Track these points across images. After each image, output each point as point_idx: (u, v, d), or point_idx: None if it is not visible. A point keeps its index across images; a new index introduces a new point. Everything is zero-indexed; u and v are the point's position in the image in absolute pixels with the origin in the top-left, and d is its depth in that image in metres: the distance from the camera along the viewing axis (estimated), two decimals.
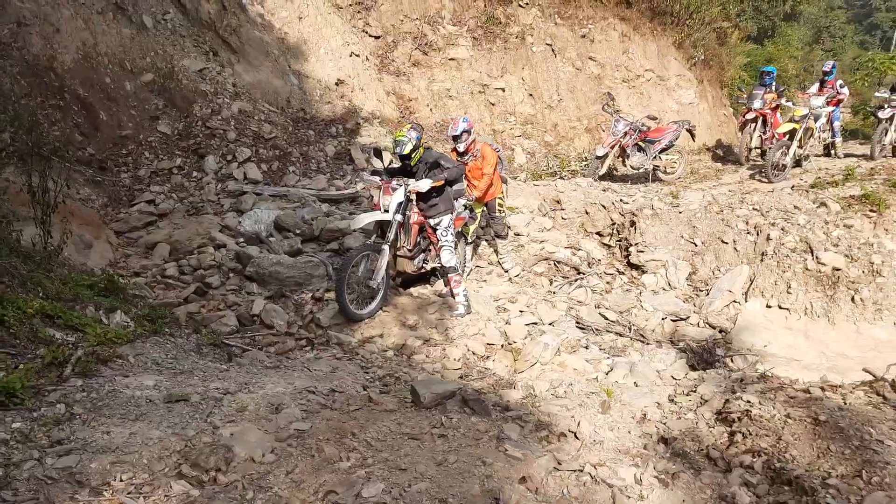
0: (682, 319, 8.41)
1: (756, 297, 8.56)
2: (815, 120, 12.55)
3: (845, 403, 4.72)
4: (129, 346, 5.02)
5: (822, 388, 5.25)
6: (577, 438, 4.18)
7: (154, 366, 4.88)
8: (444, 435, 4.02)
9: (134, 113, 10.76)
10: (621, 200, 9.98)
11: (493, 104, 14.96)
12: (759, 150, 14.10)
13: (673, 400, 5.30)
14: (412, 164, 7.27)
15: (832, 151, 14.34)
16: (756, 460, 3.93)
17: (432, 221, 7.49)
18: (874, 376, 6.21)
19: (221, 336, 6.05)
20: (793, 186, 10.57)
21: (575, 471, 3.71)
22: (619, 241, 9.87)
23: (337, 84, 13.06)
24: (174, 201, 9.92)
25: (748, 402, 4.71)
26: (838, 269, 8.39)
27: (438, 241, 7.50)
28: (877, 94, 14.32)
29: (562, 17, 16.03)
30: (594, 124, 15.51)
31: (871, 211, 9.61)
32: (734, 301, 8.61)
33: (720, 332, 8.23)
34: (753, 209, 9.38)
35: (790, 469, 3.75)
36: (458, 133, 8.10)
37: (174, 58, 11.38)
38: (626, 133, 11.95)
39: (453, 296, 7.47)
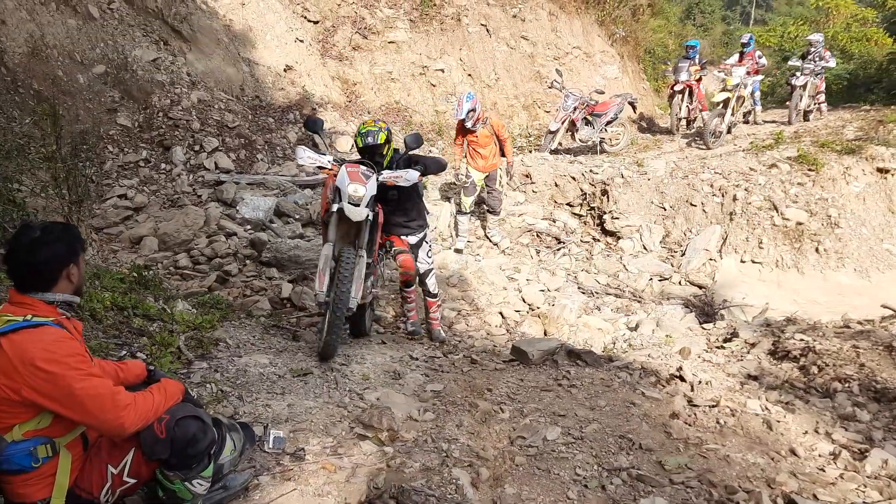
0: (666, 279, 9.03)
1: (730, 253, 9.30)
2: (745, 89, 13.53)
3: (890, 334, 5.35)
4: (218, 330, 5.04)
5: (848, 325, 5.90)
6: (684, 381, 4.59)
7: (251, 346, 4.93)
8: (573, 385, 4.33)
9: (91, 106, 10.34)
10: (591, 171, 10.50)
11: (434, 85, 15.17)
12: (686, 120, 15.01)
13: (721, 347, 5.81)
14: (384, 161, 5.43)
15: (751, 119, 15.45)
16: (851, 385, 4.46)
17: (413, 239, 5.88)
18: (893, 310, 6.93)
19: (287, 319, 6.10)
20: (745, 151, 11.40)
21: (711, 405, 4.12)
22: (591, 210, 10.40)
23: (286, 70, 12.93)
24: (147, 194, 9.68)
25: (802, 339, 5.26)
26: (801, 224, 9.24)
27: (420, 264, 5.99)
28: (790, 62, 15.52)
29: None
30: (531, 101, 16.03)
31: (809, 170, 10.57)
32: (710, 259, 9.30)
33: (701, 288, 8.90)
34: (716, 173, 10.12)
35: (892, 388, 4.29)
36: (464, 115, 8.35)
37: (125, 48, 10.97)
38: (575, 108, 12.49)
39: (431, 322, 6.22)
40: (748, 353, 5.56)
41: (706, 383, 4.55)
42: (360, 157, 5.43)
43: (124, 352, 4.24)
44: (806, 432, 3.93)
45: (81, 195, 6.27)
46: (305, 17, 14.28)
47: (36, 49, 9.98)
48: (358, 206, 5.00)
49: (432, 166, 5.66)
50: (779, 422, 3.94)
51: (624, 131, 13.36)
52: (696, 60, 14.78)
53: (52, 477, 2.34)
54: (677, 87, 14.50)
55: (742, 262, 9.23)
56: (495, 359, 5.06)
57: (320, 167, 5.29)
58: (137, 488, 2.56)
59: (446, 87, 15.32)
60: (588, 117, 12.67)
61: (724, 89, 13.24)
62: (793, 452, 3.68)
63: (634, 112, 14.32)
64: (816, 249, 9.08)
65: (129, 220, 9.17)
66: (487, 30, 15.94)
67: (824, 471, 3.48)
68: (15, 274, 2.38)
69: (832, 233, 9.13)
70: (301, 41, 13.43)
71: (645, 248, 9.68)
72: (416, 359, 4.99)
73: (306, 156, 5.24)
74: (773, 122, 15.10)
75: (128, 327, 4.63)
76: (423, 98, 14.92)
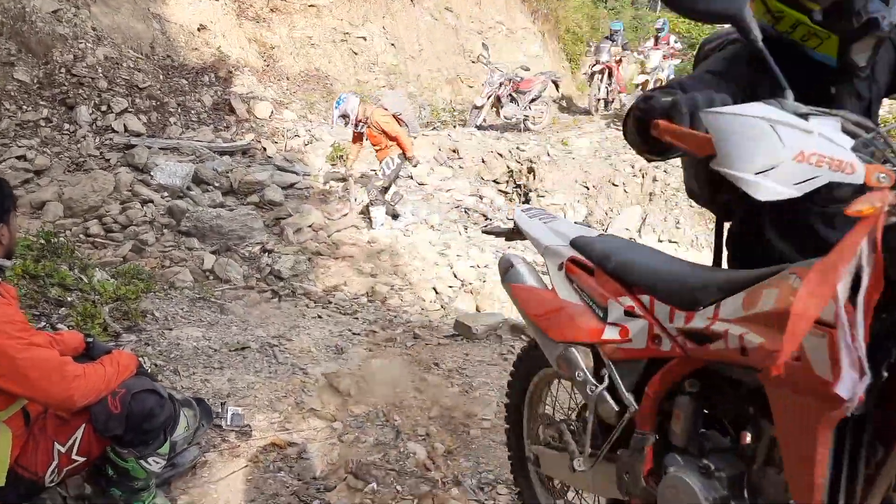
0: None
1: (649, 233, 9.53)
2: (662, 72, 13.87)
3: None
4: (144, 302, 4.74)
5: None
6: None
7: (180, 319, 4.67)
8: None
9: None
10: (518, 148, 10.53)
11: (356, 53, 14.84)
12: (604, 101, 15.25)
13: None
14: None
15: None
16: None
17: None
18: None
19: (211, 291, 5.81)
20: None
21: None
22: (517, 187, 10.44)
23: (199, 30, 12.33)
24: (49, 156, 9.03)
25: None
26: None
27: None
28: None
29: None
30: (454, 75, 15.93)
31: None
32: (631, 238, 9.52)
33: None
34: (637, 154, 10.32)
35: None
36: (334, 124, 8.19)
37: None
38: (501, 84, 12.48)
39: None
40: None
41: None
42: None
43: (43, 323, 3.93)
44: None
45: None
46: None
47: None
48: None
49: None
50: None
51: (547, 110, 13.46)
52: (619, 42, 15.04)
53: None
54: (597, 68, 14.71)
55: (660, 241, 9.47)
56: (435, 333, 4.99)
57: None
58: (86, 467, 2.34)
59: (369, 55, 15.01)
60: (513, 94, 12.69)
61: (642, 72, 13.53)
62: None
63: (557, 91, 14.45)
64: None
65: (30, 183, 8.54)
66: None
67: None
68: None
69: None
70: None
71: None
72: (357, 333, 4.86)
73: None
74: None
75: (44, 297, 4.29)
76: (344, 66, 14.57)
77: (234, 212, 7.55)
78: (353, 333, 4.93)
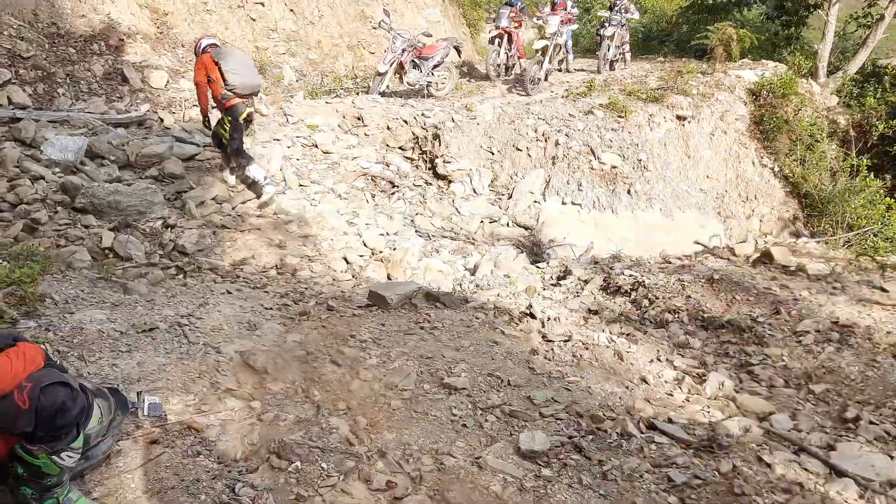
0: (495, 221, 9.35)
1: (552, 196, 9.79)
2: (561, 37, 14.07)
3: (707, 267, 5.91)
4: (41, 285, 4.55)
5: (668, 261, 6.45)
6: (535, 318, 4.80)
7: (82, 301, 4.51)
8: (435, 327, 4.39)
9: None
10: (422, 115, 10.53)
11: (254, 20, 14.37)
12: (505, 67, 15.35)
13: (557, 284, 6.14)
14: None
15: (564, 67, 16.14)
16: (680, 315, 4.89)
17: None
18: (705, 247, 7.65)
19: (113, 270, 5.60)
20: (563, 98, 11.91)
21: (564, 340, 4.34)
22: (423, 153, 10.47)
23: None
24: None
25: (631, 275, 5.69)
26: (615, 167, 9.90)
27: None
28: (599, 12, 16.32)
29: None
30: (355, 41, 15.68)
31: (619, 117, 11.30)
32: (535, 202, 9.74)
33: (527, 229, 9.32)
34: (539, 118, 10.53)
35: (717, 317, 4.75)
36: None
37: None
38: (404, 50, 12.38)
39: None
40: (583, 289, 5.93)
41: (555, 319, 4.81)
42: None
43: None
44: (651, 360, 4.29)
45: None
46: None
47: None
48: None
49: None
50: (627, 352, 4.26)
51: (450, 76, 13.45)
52: (518, 7, 15.12)
53: None
54: (494, 33, 14.76)
55: (563, 204, 9.75)
56: (349, 304, 5.00)
57: None
58: None
59: (267, 22, 14.56)
60: (416, 60, 12.62)
61: (542, 37, 13.69)
62: (644, 380, 4.00)
63: (459, 57, 14.43)
64: (628, 191, 9.79)
65: None
66: None
67: (672, 395, 3.82)
68: None
69: (642, 176, 9.88)
70: None
71: (475, 192, 9.93)
72: (269, 308, 4.82)
73: None
74: (583, 70, 15.88)
75: None
76: (241, 33, 14.08)
77: (133, 186, 7.27)
78: (266, 308, 4.88)
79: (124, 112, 10.01)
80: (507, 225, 9.37)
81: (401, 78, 12.77)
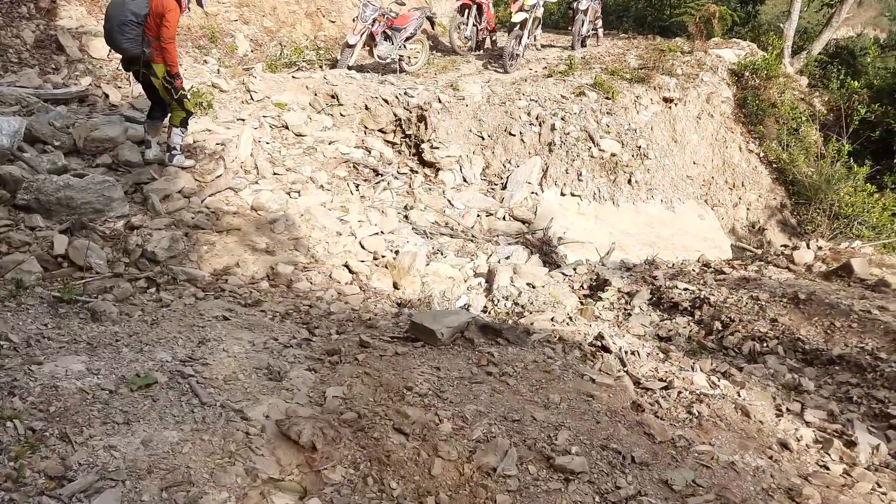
0: (492, 214, 8.53)
1: (551, 186, 9.02)
2: (539, 10, 13.21)
3: (777, 281, 5.22)
4: None
5: (708, 266, 5.75)
6: (609, 351, 4.02)
7: (48, 342, 3.50)
8: (505, 372, 3.56)
9: None
10: (405, 94, 9.57)
11: None
12: (476, 42, 14.40)
13: (595, 297, 5.39)
14: None
15: (532, 42, 15.27)
16: (769, 344, 4.19)
17: None
18: (747, 249, 6.97)
19: (74, 291, 4.54)
20: (544, 77, 11.11)
21: (664, 388, 3.58)
22: (406, 137, 9.54)
23: None
24: None
25: (687, 289, 4.97)
26: (615, 155, 9.19)
27: None
28: None
29: None
30: (314, 8, 14.46)
31: (606, 98, 10.59)
32: (532, 192, 8.96)
33: (525, 223, 8.54)
34: (532, 100, 9.70)
35: (823, 350, 4.06)
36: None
37: None
38: (374, 20, 11.34)
39: None
40: (628, 304, 5.20)
41: (634, 353, 4.05)
42: None
43: None
44: (778, 415, 3.58)
45: None
46: None
47: None
48: None
49: None
50: (751, 405, 3.54)
51: (423, 49, 12.48)
52: None
53: None
54: (463, 2, 13.78)
55: (563, 195, 9.01)
56: (383, 337, 4.10)
57: None
58: None
59: None
60: (387, 31, 11.59)
61: (521, 9, 12.80)
62: (784, 446, 3.29)
63: (433, 28, 13.46)
64: (629, 181, 9.11)
65: None
66: None
67: (828, 469, 3.11)
68: None
69: (642, 164, 9.21)
70: None
71: (466, 181, 9.09)
72: (288, 346, 3.88)
73: None
74: (552, 45, 15.08)
75: None
76: None
77: (86, 179, 6.13)
78: (283, 345, 3.95)
79: (62, 86, 8.73)
80: (504, 218, 8.57)
81: (370, 51, 11.72)
